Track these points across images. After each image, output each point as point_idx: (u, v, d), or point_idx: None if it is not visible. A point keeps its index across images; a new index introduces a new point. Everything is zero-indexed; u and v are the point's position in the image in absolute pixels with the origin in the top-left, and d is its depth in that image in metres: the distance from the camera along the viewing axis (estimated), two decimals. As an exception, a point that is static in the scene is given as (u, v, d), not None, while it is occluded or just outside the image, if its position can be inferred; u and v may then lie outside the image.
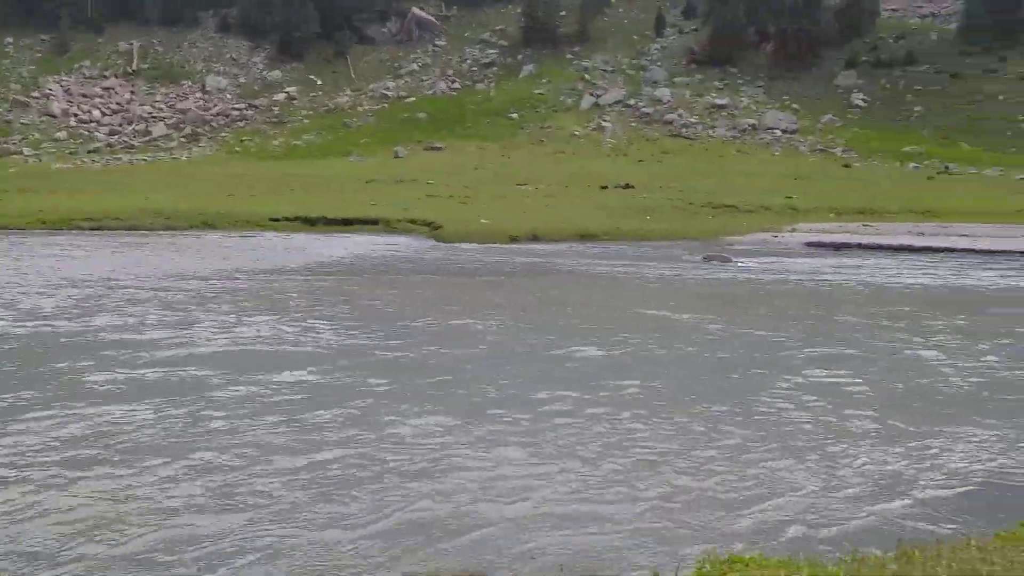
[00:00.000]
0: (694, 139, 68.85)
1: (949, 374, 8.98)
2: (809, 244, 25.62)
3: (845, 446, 6.52)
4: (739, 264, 20.24)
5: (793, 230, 29.55)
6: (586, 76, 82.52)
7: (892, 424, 7.09)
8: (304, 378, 8.39)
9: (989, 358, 9.83)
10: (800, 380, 8.61)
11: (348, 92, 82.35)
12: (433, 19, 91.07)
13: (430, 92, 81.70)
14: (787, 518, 5.15)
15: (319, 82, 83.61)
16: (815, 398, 7.90)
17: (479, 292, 15.93)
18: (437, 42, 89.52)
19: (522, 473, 5.84)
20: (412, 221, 29.80)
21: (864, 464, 6.13)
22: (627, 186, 41.83)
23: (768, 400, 7.82)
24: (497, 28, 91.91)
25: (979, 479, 5.91)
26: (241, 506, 5.21)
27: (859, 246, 24.79)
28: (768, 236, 27.86)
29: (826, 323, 12.60)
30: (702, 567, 3.67)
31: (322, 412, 7.14)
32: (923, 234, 27.97)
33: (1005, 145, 70.23)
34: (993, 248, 24.10)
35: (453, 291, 15.94)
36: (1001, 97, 76.18)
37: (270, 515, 5.08)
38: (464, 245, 25.14)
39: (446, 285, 16.81)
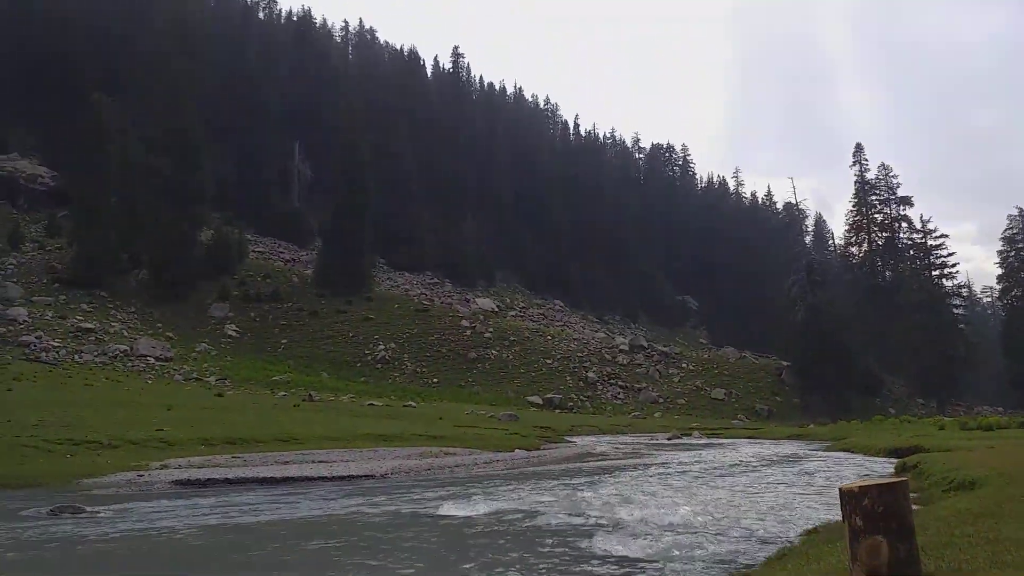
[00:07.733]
0: (56, 364, 62.30)
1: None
2: (177, 482, 24.74)
3: None
4: (98, 515, 18.25)
5: (163, 466, 28.26)
6: (-89, 287, 69.17)
7: None
8: None
9: None
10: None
11: None
12: None
13: None
14: None
15: None
16: None
17: None
18: None
19: None
20: None
21: None
22: (-40, 422, 34.85)
23: None
24: None
25: None
26: None
27: (226, 480, 24.97)
28: (134, 476, 25.99)
29: None
30: None
31: None
32: (288, 463, 29.78)
33: (356, 375, 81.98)
34: (344, 473, 26.98)
35: None
36: (351, 334, 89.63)
37: None
38: None
39: None
